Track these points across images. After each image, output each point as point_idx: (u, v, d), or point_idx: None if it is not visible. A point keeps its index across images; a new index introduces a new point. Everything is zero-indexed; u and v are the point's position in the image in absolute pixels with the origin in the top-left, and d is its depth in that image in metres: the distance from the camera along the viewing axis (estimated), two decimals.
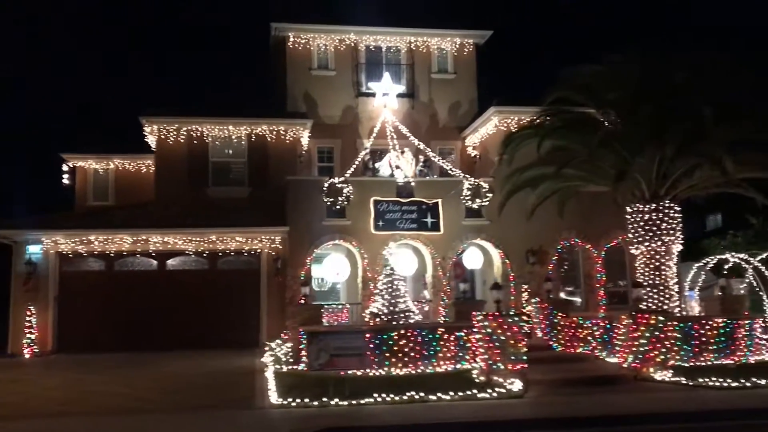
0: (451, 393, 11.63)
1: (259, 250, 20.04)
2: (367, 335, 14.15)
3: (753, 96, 16.41)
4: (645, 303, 17.30)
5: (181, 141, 21.40)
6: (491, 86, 24.57)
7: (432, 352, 14.68)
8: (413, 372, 14.04)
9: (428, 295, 20.53)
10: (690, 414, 10.65)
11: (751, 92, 16.45)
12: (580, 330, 16.59)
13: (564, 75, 17.70)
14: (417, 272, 21.13)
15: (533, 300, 19.17)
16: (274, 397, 11.43)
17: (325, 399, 11.21)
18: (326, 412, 10.78)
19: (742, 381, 12.62)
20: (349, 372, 13.10)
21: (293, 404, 11.07)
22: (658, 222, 17.07)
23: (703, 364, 15.11)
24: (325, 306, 19.79)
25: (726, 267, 20.80)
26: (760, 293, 19.58)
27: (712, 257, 21.17)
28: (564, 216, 18.73)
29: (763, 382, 12.64)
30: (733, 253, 20.99)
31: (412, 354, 14.54)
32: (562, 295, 20.93)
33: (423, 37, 24.27)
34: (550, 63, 20.58)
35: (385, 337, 14.57)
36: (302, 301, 18.67)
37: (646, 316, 14.02)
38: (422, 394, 11.51)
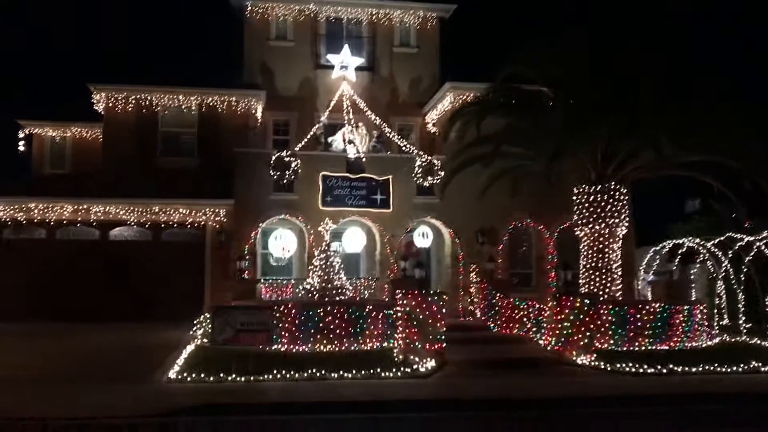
0: (354, 371, 11.37)
1: (203, 223, 19.74)
2: (280, 310, 13.93)
3: (699, 80, 16.08)
4: (586, 286, 17.09)
5: (130, 110, 21.02)
6: (456, 61, 24.08)
7: (359, 330, 14.50)
8: (327, 350, 13.87)
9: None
10: (591, 399, 10.39)
11: (697, 76, 16.11)
12: (516, 311, 16.36)
13: (515, 51, 17.28)
14: (369, 250, 20.90)
15: (474, 280, 18.95)
16: (174, 372, 11.20)
17: (222, 375, 10.98)
18: (220, 387, 10.55)
19: (659, 367, 12.34)
20: (273, 348, 12.91)
21: (188, 379, 10.84)
22: (603, 204, 16.75)
23: (636, 349, 14.94)
24: (269, 281, 19.68)
25: (680, 252, 20.56)
26: (716, 278, 19.30)
27: (668, 242, 20.87)
28: (517, 196, 18.42)
29: (679, 369, 12.35)
30: (690, 238, 20.71)
31: (338, 331, 14.36)
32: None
33: (385, 9, 23.71)
34: (517, 37, 20.11)
35: (311, 313, 14.39)
36: (246, 276, 18.60)
37: (571, 299, 13.73)
38: (323, 372, 11.25)
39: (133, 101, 20.99)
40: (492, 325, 17.03)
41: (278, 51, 23.18)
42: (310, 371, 11.27)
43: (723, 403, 10.40)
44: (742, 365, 12.66)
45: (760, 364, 12.71)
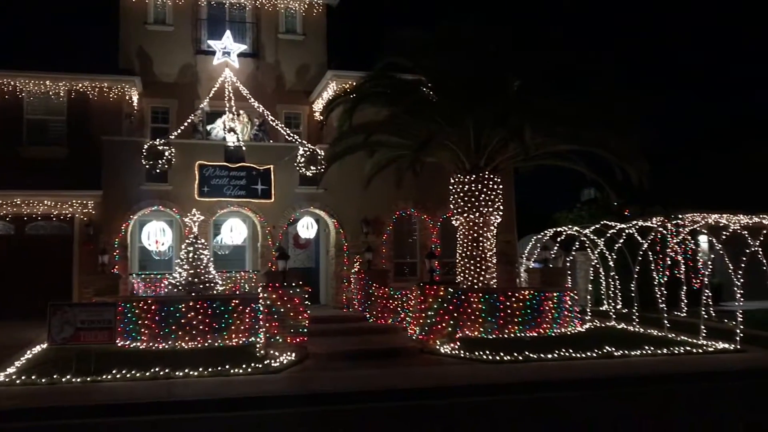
0: (201, 369, 10.92)
1: (71, 216, 18.71)
2: (139, 306, 13.39)
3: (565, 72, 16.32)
4: (462, 274, 17.18)
5: None
6: (343, 49, 23.71)
7: (224, 325, 14.05)
8: (189, 346, 13.41)
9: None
10: (441, 388, 10.31)
11: (563, 69, 16.35)
12: (391, 301, 16.23)
13: (391, 41, 17.11)
14: (254, 242, 20.37)
15: (352, 271, 18.77)
16: (3, 375, 10.47)
17: (56, 376, 10.33)
18: (52, 390, 9.89)
19: (515, 355, 12.44)
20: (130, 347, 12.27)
21: (17, 382, 10.14)
22: (477, 193, 16.87)
23: (505, 336, 15.09)
24: (142, 275, 18.90)
25: (559, 239, 20.99)
26: (597, 264, 19.74)
27: (549, 230, 21.26)
28: (401, 186, 18.29)
29: (536, 356, 12.49)
30: (570, 226, 21.17)
31: (202, 327, 13.88)
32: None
33: None
34: (402, 25, 19.96)
35: (172, 309, 13.84)
36: (115, 270, 17.78)
37: (435, 287, 13.68)
38: (167, 371, 10.76)
39: None
40: (368, 315, 16.86)
41: (156, 35, 22.20)
42: (154, 370, 10.76)
43: (566, 390, 10.54)
44: (596, 351, 12.92)
45: (613, 349, 13.01)
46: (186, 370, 10.85)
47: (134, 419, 8.86)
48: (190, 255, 16.25)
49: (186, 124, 20.24)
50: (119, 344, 13.19)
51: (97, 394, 9.58)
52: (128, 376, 10.53)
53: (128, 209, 18.59)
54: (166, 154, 18.45)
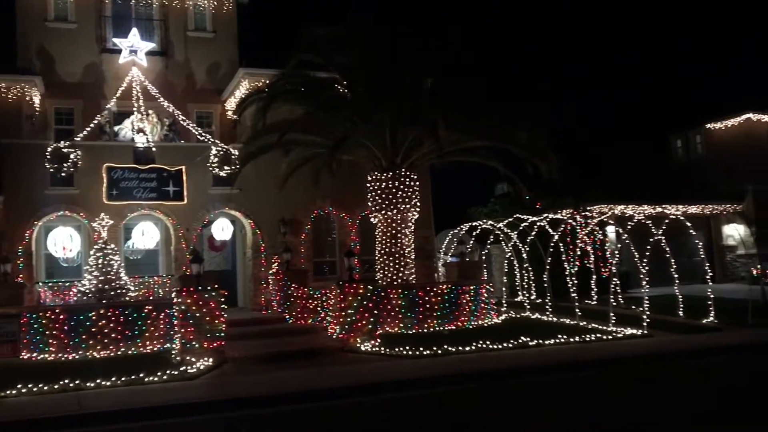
0: (114, 378, 10.53)
1: None
2: (46, 316, 12.81)
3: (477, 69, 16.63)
4: (382, 271, 17.25)
5: None
6: (255, 47, 23.37)
7: (137, 332, 13.61)
8: (101, 356, 12.95)
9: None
10: (361, 386, 10.33)
11: (475, 66, 16.65)
12: (311, 301, 16.13)
13: (304, 38, 16.99)
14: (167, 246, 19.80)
15: (270, 272, 18.56)
16: None
17: None
18: None
19: (434, 349, 12.61)
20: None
21: None
22: (395, 190, 16.96)
23: (425, 331, 15.27)
24: (49, 284, 18.07)
25: (474, 233, 21.40)
26: (511, 257, 20.19)
27: (465, 225, 21.65)
28: (319, 185, 18.12)
29: (454, 349, 12.69)
30: (485, 220, 21.61)
31: (114, 335, 13.41)
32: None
33: None
34: (315, 22, 19.68)
35: (81, 318, 13.30)
36: (20, 279, 16.94)
37: (354, 285, 13.69)
38: (78, 382, 10.33)
39: None
40: (288, 316, 16.69)
41: (58, 33, 21.22)
42: (63, 382, 10.30)
43: (484, 381, 10.75)
44: (512, 341, 13.24)
45: (528, 339, 13.36)
46: (98, 381, 10.45)
47: None
48: (100, 261, 15.66)
49: (92, 125, 19.47)
50: (25, 357, 12.66)
51: (9, 410, 9.08)
52: (35, 390, 10.06)
53: (32, 215, 17.72)
54: (72, 156, 17.71)
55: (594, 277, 18.91)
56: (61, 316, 13.19)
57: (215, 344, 12.47)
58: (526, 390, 10.36)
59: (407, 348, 12.69)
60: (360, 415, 9.19)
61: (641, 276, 16.03)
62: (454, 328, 15.64)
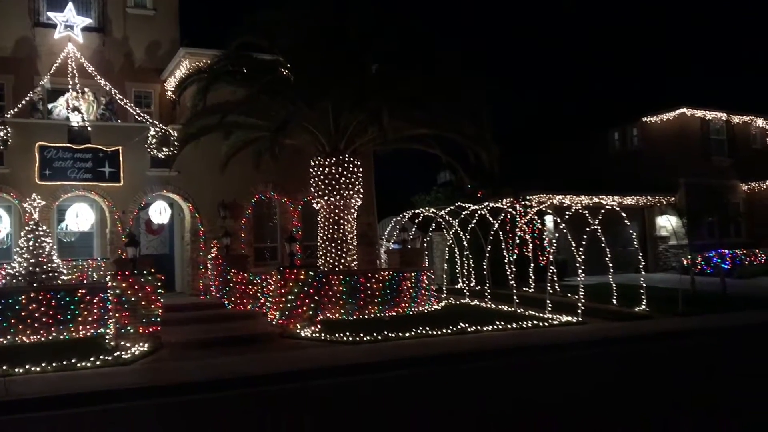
0: (44, 364, 10.22)
1: None
2: None
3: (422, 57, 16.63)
4: (323, 257, 17.18)
5: None
6: (197, 26, 22.85)
7: (69, 317, 13.20)
8: (31, 341, 12.54)
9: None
10: (300, 372, 10.28)
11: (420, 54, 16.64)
12: (251, 287, 15.96)
13: (246, 18, 16.67)
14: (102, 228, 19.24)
15: (209, 257, 18.29)
16: None
17: None
18: None
19: (374, 335, 12.66)
20: None
21: None
22: (338, 176, 16.89)
23: (365, 317, 15.29)
24: None
25: (416, 221, 21.51)
26: (452, 244, 20.35)
27: (407, 212, 21.72)
28: (260, 168, 17.89)
29: (394, 335, 12.77)
30: (427, 207, 21.73)
31: (45, 319, 12.96)
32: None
33: None
34: (262, 4, 19.20)
35: (10, 301, 12.81)
36: None
37: (295, 271, 13.60)
38: (5, 368, 9.98)
39: None
40: (227, 302, 16.48)
41: None
42: None
43: (422, 366, 10.85)
44: (451, 327, 13.39)
45: (467, 326, 13.55)
46: (27, 366, 10.10)
47: None
48: (31, 243, 15.11)
49: (24, 101, 18.72)
50: None
51: None
52: None
53: None
54: (1, 134, 16.98)
55: (532, 265, 19.27)
56: None
57: (151, 329, 12.21)
58: (462, 375, 10.50)
59: (347, 334, 12.70)
60: (297, 401, 9.15)
61: (577, 264, 16.41)
62: (394, 314, 15.72)
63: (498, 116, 17.18)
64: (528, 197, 24.06)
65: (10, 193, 17.45)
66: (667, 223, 27.84)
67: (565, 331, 13.86)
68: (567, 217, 17.19)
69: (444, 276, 20.48)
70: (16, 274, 14.90)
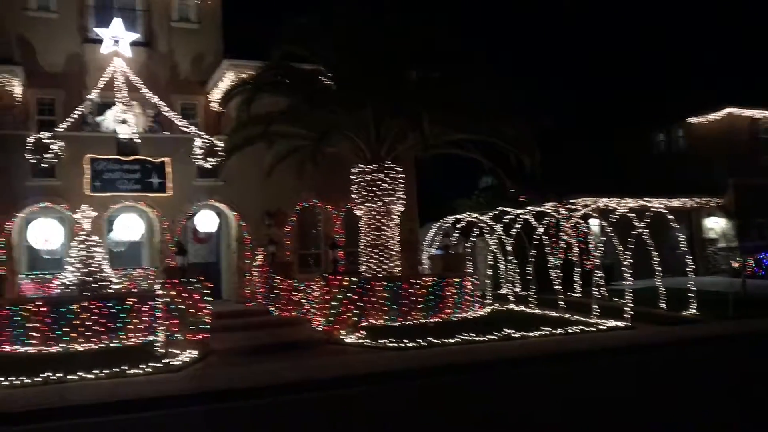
0: (98, 371, 10.48)
1: None
2: (28, 309, 12.68)
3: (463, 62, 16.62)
4: (366, 264, 17.25)
5: None
6: (240, 38, 23.13)
7: (120, 325, 13.52)
8: (84, 348, 12.86)
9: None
10: (346, 378, 10.35)
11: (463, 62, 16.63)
12: (296, 293, 16.13)
13: (287, 29, 16.90)
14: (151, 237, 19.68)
15: (255, 264, 18.52)
16: None
17: None
18: None
19: (419, 341, 12.65)
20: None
21: None
22: (379, 182, 16.95)
23: (409, 323, 15.28)
24: (32, 276, 17.93)
25: (458, 226, 21.44)
26: (495, 249, 20.23)
27: (448, 217, 21.68)
28: (304, 176, 18.05)
29: (439, 341, 12.74)
30: (469, 212, 21.65)
31: (97, 327, 13.30)
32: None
33: None
34: (303, 14, 19.27)
35: (63, 310, 13.19)
36: (1, 271, 16.76)
37: (338, 278, 13.69)
38: (60, 374, 10.26)
39: None
40: (272, 308, 16.68)
41: (39, 22, 20.96)
42: (45, 375, 10.23)
43: (469, 373, 10.81)
44: (497, 333, 13.32)
45: (512, 331, 13.45)
46: (81, 373, 10.39)
47: (27, 428, 8.38)
48: (82, 253, 15.53)
49: (74, 115, 19.26)
50: (6, 350, 12.52)
51: None
52: (16, 382, 9.99)
53: (13, 207, 17.52)
54: (53, 147, 17.53)
55: (578, 269, 19.03)
56: (43, 309, 13.07)
57: (199, 336, 12.43)
58: (510, 381, 10.43)
59: (392, 340, 12.74)
60: (345, 407, 9.21)
61: (624, 268, 16.15)
62: (438, 320, 15.69)
63: (540, 117, 16.98)
64: (572, 200, 23.78)
65: (62, 204, 17.97)
66: (715, 225, 27.21)
67: (613, 336, 13.65)
68: (613, 220, 16.95)
69: (488, 281, 20.35)
70: (69, 283, 15.31)
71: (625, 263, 16.05)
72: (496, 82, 16.07)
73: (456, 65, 16.52)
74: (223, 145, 18.69)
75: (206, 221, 19.77)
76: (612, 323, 14.61)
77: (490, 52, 16.60)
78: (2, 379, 10.05)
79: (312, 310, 15.16)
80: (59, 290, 15.57)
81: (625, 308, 14.96)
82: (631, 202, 24.05)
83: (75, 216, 17.67)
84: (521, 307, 17.73)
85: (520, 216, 19.03)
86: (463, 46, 16.48)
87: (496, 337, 13.17)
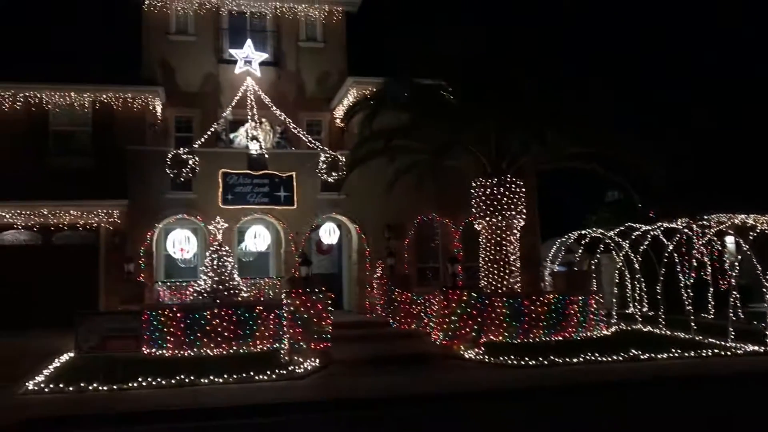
0: (226, 376, 11.00)
1: (96, 225, 18.97)
2: (164, 314, 13.50)
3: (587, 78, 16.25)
4: (486, 279, 17.10)
5: (18, 108, 20.00)
6: (363, 55, 23.71)
7: (248, 332, 14.13)
8: (214, 353, 13.50)
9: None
10: (465, 394, 10.30)
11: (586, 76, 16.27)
12: (414, 306, 16.23)
13: (410, 48, 17.17)
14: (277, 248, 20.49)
15: (375, 276, 18.78)
16: (33, 383, 10.64)
17: (83, 384, 10.47)
18: (79, 398, 10.04)
19: (540, 359, 12.36)
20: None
21: (46, 390, 10.31)
22: (500, 196, 16.79)
23: (530, 341, 14.99)
24: (168, 283, 19.08)
25: (583, 242, 20.80)
26: (622, 267, 19.52)
27: (572, 233, 21.08)
28: (423, 191, 18.25)
29: (561, 360, 12.40)
30: (594, 228, 20.97)
31: (227, 334, 13.97)
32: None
33: (289, 2, 23.20)
34: (422, 28, 19.51)
35: (196, 316, 13.95)
36: (141, 278, 17.96)
37: (458, 292, 13.65)
38: (193, 378, 10.85)
39: (21, 99, 19.96)
40: (392, 320, 16.87)
41: (179, 45, 22.45)
42: (179, 377, 10.85)
43: (593, 394, 10.45)
44: (622, 354, 12.80)
45: (640, 352, 12.87)
46: (211, 377, 10.94)
47: (160, 426, 8.93)
48: (215, 262, 16.39)
49: (209, 132, 20.41)
50: (145, 352, 13.34)
51: (124, 403, 9.69)
52: (154, 383, 10.66)
53: (153, 218, 18.79)
54: (190, 162, 18.63)
55: (711, 289, 17.97)
56: (179, 315, 13.87)
57: (322, 345, 12.76)
58: (638, 404, 9.98)
59: (512, 357, 12.53)
60: (463, 423, 9.15)
61: (764, 290, 15.09)
62: (561, 338, 15.28)
63: (671, 129, 16.26)
64: (706, 217, 22.51)
65: (197, 216, 19.05)
66: None
67: (751, 361, 12.76)
68: (751, 238, 15.89)
69: (613, 300, 19.58)
70: (202, 291, 16.18)
71: (765, 284, 14.99)
72: (625, 95, 15.54)
73: (581, 75, 16.14)
74: (345, 160, 19.21)
75: (329, 233, 20.35)
76: (750, 348, 13.67)
77: (624, 63, 16.06)
78: (141, 379, 10.72)
79: (431, 323, 15.20)
80: (192, 297, 16.47)
81: (765, 332, 13.95)
82: None
83: (209, 227, 18.70)
84: (649, 328, 16.94)
85: (649, 233, 18.22)
86: (585, 55, 16.07)
87: (622, 358, 12.66)
